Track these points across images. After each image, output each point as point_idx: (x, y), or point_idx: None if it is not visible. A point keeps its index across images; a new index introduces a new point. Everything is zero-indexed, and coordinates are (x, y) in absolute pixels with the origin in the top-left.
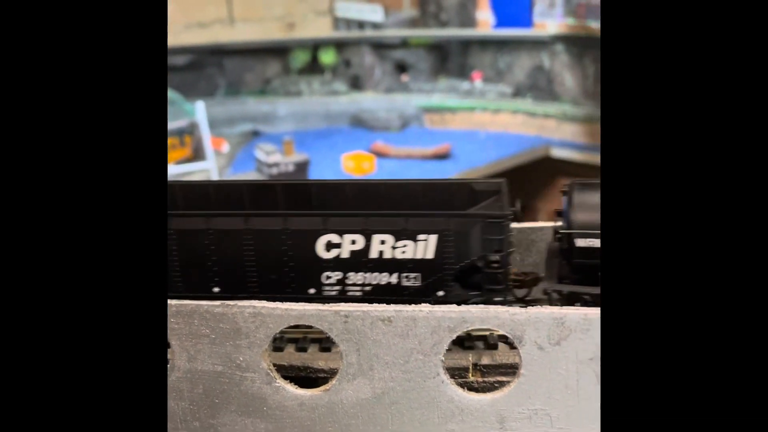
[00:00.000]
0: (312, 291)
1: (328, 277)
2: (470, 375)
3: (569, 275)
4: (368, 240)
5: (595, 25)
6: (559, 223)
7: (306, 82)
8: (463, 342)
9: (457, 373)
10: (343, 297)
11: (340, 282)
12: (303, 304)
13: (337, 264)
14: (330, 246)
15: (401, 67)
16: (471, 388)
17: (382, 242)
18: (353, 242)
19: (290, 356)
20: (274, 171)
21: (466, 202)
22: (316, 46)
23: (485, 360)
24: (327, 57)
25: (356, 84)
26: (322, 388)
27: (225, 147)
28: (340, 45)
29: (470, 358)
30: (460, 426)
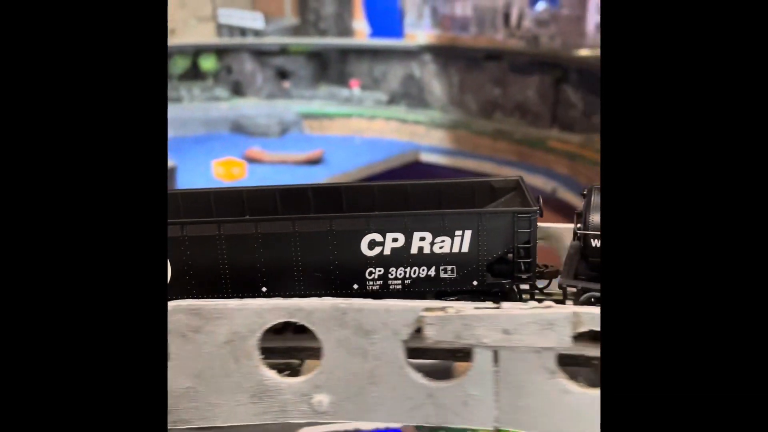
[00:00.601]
0: (356, 286)
1: (371, 273)
2: None
3: (585, 272)
4: (409, 237)
5: (462, 35)
6: (579, 225)
7: (186, 88)
8: None
9: None
10: (385, 291)
11: (382, 277)
12: None
13: (379, 261)
14: (373, 244)
15: (282, 74)
16: None
17: (422, 239)
18: (395, 240)
19: None
20: None
21: (486, 198)
22: (196, 52)
23: None
24: (207, 63)
25: (238, 90)
26: None
27: None
28: (221, 51)
29: None
30: None
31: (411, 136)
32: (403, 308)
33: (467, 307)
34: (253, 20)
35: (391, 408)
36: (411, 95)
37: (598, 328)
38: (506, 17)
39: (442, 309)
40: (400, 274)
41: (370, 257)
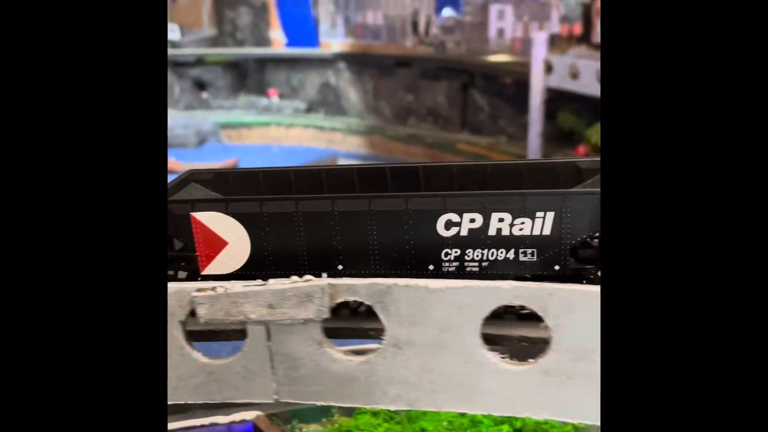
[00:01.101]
0: (431, 267)
1: (447, 254)
2: None
3: None
4: (487, 218)
5: (374, 42)
6: None
7: None
8: None
9: None
10: (461, 273)
11: (459, 259)
12: None
13: (456, 242)
14: (450, 225)
15: (201, 85)
16: None
17: (501, 220)
18: (472, 221)
19: None
20: None
21: (571, 179)
22: None
23: None
24: None
25: None
26: None
27: None
28: None
29: None
30: None
31: (329, 143)
32: (176, 290)
33: (236, 286)
34: (170, 31)
35: (177, 388)
36: (328, 103)
37: (355, 299)
38: (414, 25)
39: (212, 288)
40: (477, 256)
41: (447, 238)
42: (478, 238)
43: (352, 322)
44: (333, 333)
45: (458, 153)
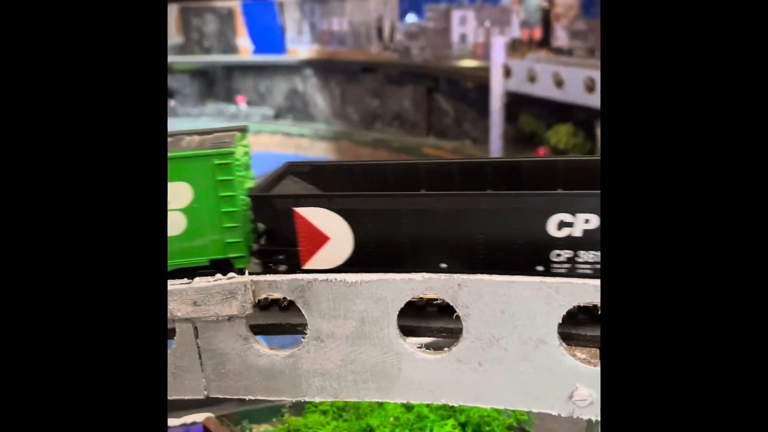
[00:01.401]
0: (540, 268)
1: (558, 255)
2: None
3: None
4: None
5: (340, 49)
6: None
7: None
8: None
9: None
10: (573, 275)
11: (571, 260)
12: None
13: (568, 242)
14: (562, 225)
15: (168, 93)
16: None
17: None
18: (587, 221)
19: None
20: None
21: None
22: None
23: None
24: None
25: None
26: None
27: None
28: None
29: None
30: None
31: (296, 148)
32: None
33: None
34: None
35: None
36: (296, 109)
37: (280, 296)
38: (379, 31)
39: None
40: (591, 258)
41: (558, 238)
42: (593, 239)
43: (281, 318)
44: (262, 329)
45: (424, 157)
